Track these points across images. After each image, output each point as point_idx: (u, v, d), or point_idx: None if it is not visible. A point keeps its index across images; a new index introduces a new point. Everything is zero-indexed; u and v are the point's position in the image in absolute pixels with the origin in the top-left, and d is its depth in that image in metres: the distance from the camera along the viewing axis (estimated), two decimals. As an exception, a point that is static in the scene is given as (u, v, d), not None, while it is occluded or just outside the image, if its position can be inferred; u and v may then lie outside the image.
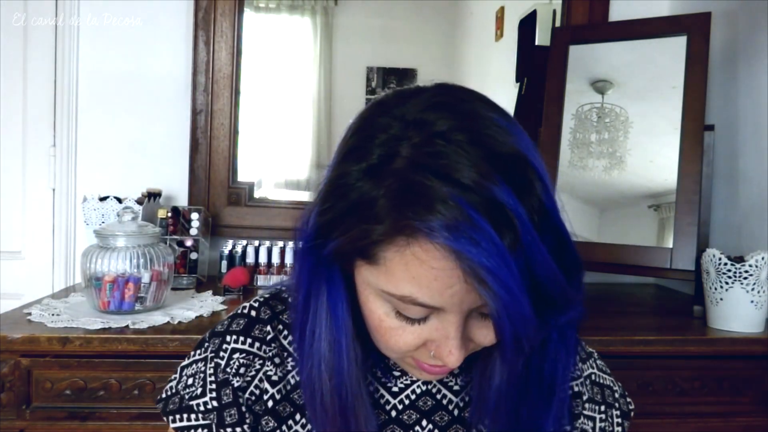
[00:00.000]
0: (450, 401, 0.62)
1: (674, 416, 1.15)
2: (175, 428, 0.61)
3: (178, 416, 0.61)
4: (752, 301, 1.15)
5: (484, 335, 0.51)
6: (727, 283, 1.16)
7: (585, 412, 0.65)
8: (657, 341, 1.13)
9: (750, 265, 1.14)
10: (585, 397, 0.65)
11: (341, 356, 0.54)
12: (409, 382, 0.62)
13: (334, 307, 0.54)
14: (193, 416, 0.61)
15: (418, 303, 0.47)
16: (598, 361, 0.69)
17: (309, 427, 0.60)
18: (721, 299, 1.17)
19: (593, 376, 0.67)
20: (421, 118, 0.47)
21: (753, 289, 1.14)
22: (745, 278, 1.14)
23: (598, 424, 0.65)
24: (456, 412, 0.62)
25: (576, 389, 0.65)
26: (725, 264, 1.16)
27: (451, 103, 0.48)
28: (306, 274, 0.54)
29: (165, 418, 0.62)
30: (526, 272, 0.44)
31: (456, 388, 0.63)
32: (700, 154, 1.36)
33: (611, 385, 0.68)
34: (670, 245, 1.37)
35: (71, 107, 1.60)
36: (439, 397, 0.62)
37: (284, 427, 0.60)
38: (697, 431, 1.16)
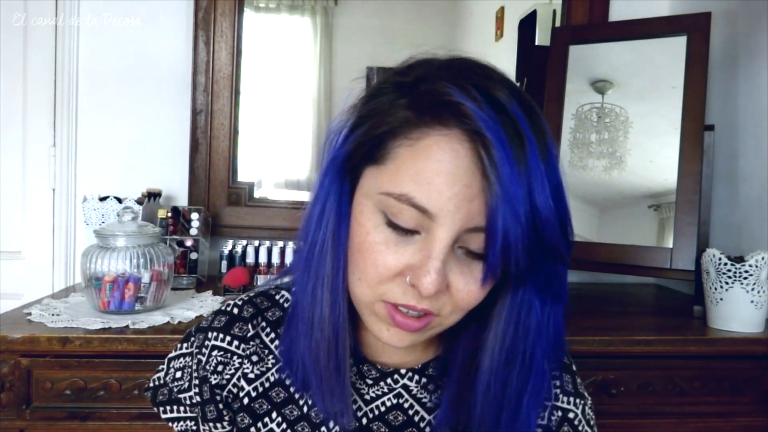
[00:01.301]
0: (422, 418, 0.61)
1: (674, 416, 1.15)
2: (165, 419, 0.64)
3: (168, 407, 0.64)
4: (752, 301, 1.15)
5: (465, 281, 0.50)
6: (727, 283, 1.16)
7: None
8: (657, 341, 1.13)
9: (750, 265, 1.14)
10: (542, 422, 0.61)
11: (338, 276, 0.54)
12: (380, 392, 0.61)
13: (338, 226, 0.54)
14: (182, 408, 0.63)
15: (414, 204, 0.48)
16: (589, 410, 0.65)
17: (284, 426, 0.60)
18: (721, 299, 1.17)
19: (571, 415, 0.63)
20: (452, 61, 0.53)
21: (753, 289, 1.14)
22: (745, 278, 1.14)
23: None
24: (427, 430, 0.61)
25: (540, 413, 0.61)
26: (725, 264, 1.16)
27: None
28: (325, 188, 0.54)
29: (156, 408, 0.64)
30: (526, 190, 0.47)
31: (429, 405, 0.61)
32: (700, 154, 1.36)
33: None
34: (670, 245, 1.37)
35: (71, 107, 1.60)
36: (411, 413, 0.61)
37: (259, 425, 0.60)
38: (697, 431, 1.16)
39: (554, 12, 1.71)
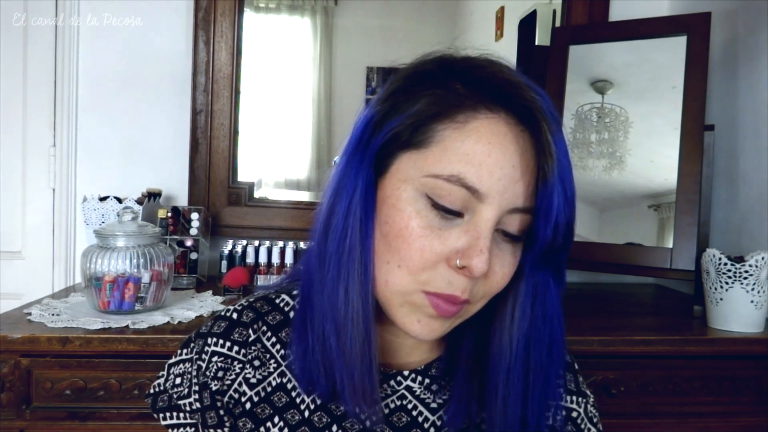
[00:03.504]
0: (426, 419, 0.60)
1: (674, 416, 1.15)
2: (165, 425, 0.63)
3: (168, 414, 0.63)
4: (752, 301, 1.15)
5: (501, 264, 0.52)
6: (727, 283, 1.16)
7: None
8: (657, 341, 1.13)
9: (750, 265, 1.14)
10: (547, 422, 0.61)
11: (367, 269, 0.53)
12: (384, 395, 0.61)
13: (366, 217, 0.53)
14: (181, 415, 0.62)
15: (464, 184, 0.49)
16: (591, 408, 0.65)
17: (286, 430, 0.59)
18: (721, 299, 1.17)
19: (574, 414, 0.64)
20: (473, 58, 0.55)
21: (753, 289, 1.14)
22: (745, 278, 1.14)
23: None
24: (432, 430, 0.60)
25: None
26: (725, 264, 1.16)
27: None
28: (351, 180, 0.53)
29: (155, 415, 0.64)
30: (566, 173, 0.50)
31: (433, 405, 0.61)
32: (700, 154, 1.36)
33: None
34: (670, 245, 1.37)
35: (71, 107, 1.60)
36: (415, 414, 0.60)
37: (261, 429, 0.60)
38: (697, 431, 1.16)
39: (554, 12, 1.71)
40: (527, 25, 1.73)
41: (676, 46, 1.43)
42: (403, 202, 0.51)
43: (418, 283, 0.51)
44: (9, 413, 1.02)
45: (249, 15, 1.64)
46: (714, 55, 1.54)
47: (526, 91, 0.50)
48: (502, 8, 1.78)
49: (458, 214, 0.50)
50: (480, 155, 0.49)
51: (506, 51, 1.75)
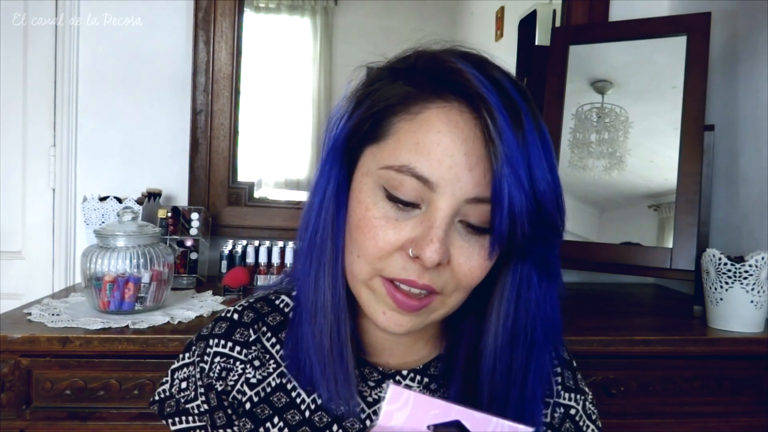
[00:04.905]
0: None
1: (674, 416, 1.15)
2: (174, 430, 0.63)
3: (177, 419, 0.63)
4: (752, 301, 1.15)
5: (466, 256, 0.51)
6: (727, 283, 1.16)
7: None
8: (657, 341, 1.13)
9: (750, 265, 1.14)
10: (545, 420, 0.60)
11: (337, 260, 0.55)
12: (383, 394, 0.61)
13: (337, 210, 0.54)
14: (190, 418, 0.62)
15: (415, 174, 0.49)
16: (590, 405, 0.65)
17: (286, 431, 0.59)
18: (721, 299, 1.17)
19: (572, 411, 0.63)
20: (448, 50, 0.55)
21: (753, 289, 1.14)
22: (745, 278, 1.14)
23: None
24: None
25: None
26: (725, 264, 1.16)
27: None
28: (325, 175, 0.55)
29: (164, 421, 0.63)
30: (526, 160, 0.48)
31: None
32: (700, 154, 1.36)
33: None
34: (670, 245, 1.37)
35: (71, 107, 1.60)
36: None
37: (261, 430, 0.60)
38: (697, 431, 1.16)
39: (554, 12, 1.71)
40: (527, 25, 1.73)
41: (676, 46, 1.43)
42: (363, 194, 0.52)
43: (376, 270, 0.52)
44: (9, 413, 1.02)
45: (249, 15, 1.64)
46: (714, 55, 1.54)
47: (467, 78, 0.49)
48: (502, 8, 1.78)
49: (414, 205, 0.50)
50: (429, 144, 0.49)
51: (506, 51, 1.76)
